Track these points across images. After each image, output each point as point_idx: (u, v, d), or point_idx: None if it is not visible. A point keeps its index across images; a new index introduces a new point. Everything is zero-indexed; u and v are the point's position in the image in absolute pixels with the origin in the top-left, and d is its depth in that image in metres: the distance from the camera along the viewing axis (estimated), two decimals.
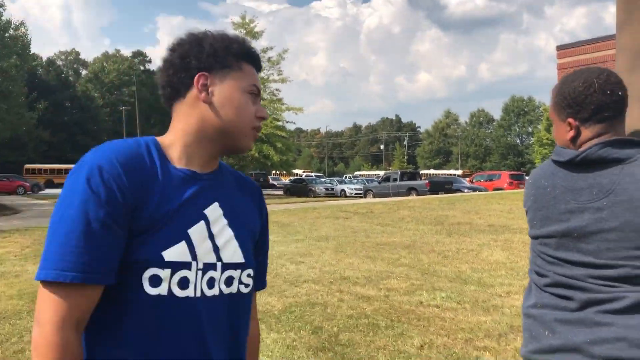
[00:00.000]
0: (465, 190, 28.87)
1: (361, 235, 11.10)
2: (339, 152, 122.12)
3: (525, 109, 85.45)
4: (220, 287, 1.12)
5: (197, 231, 1.10)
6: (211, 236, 1.12)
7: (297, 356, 4.07)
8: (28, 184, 37.44)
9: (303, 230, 12.07)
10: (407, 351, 4.17)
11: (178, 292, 1.05)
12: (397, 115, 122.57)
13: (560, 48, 22.34)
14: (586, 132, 1.42)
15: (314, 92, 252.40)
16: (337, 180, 43.46)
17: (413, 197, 24.89)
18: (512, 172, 36.53)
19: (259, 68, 1.23)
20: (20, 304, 5.77)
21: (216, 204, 1.16)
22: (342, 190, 36.39)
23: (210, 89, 1.15)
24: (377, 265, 7.81)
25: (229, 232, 1.16)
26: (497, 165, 77.61)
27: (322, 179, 45.72)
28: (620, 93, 1.40)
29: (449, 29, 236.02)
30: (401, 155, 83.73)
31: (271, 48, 38.56)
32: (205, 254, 1.10)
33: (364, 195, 31.54)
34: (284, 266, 7.78)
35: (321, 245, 9.80)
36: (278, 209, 17.92)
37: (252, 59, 1.21)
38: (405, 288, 6.30)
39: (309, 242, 10.13)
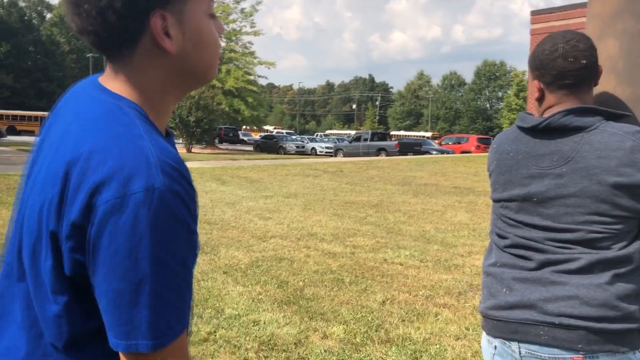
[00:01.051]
0: (434, 152, 29.25)
1: (330, 193, 11.19)
2: (311, 110, 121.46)
3: (497, 74, 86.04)
4: None
5: None
6: None
7: (262, 309, 4.15)
8: None
9: (272, 186, 12.09)
10: (370, 306, 4.29)
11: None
12: (370, 75, 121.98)
13: (534, 13, 22.38)
14: (549, 97, 1.44)
15: (287, 46, 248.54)
16: (308, 138, 43.32)
17: (382, 157, 25.09)
18: (480, 136, 37.04)
19: None
20: None
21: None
22: (313, 148, 36.36)
23: (172, 32, 0.87)
24: (344, 223, 7.91)
25: None
26: (466, 129, 78.49)
27: (293, 136, 45.53)
28: (584, 62, 1.39)
29: None
30: (373, 116, 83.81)
31: None
32: None
33: (335, 154, 31.62)
34: (252, 221, 7.82)
35: (290, 202, 9.86)
36: (247, 165, 17.84)
37: None
38: (371, 246, 6.42)
39: (277, 199, 10.17)
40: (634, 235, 1.34)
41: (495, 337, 1.45)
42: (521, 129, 1.49)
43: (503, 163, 1.51)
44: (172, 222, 0.78)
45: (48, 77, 64.03)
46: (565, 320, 1.32)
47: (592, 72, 1.42)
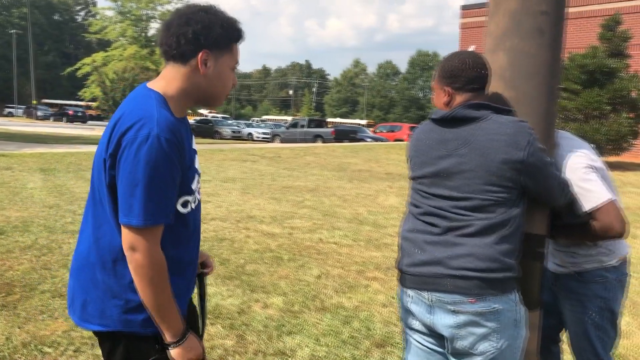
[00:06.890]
0: (368, 140, 29.97)
1: (268, 178, 11.48)
2: (247, 95, 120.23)
3: (430, 64, 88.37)
4: (199, 191, 1.66)
5: (197, 163, 1.61)
6: (196, 161, 1.63)
7: (206, 284, 4.42)
8: None
9: (209, 171, 12.23)
10: (306, 280, 4.67)
11: (193, 207, 1.60)
12: (307, 61, 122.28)
13: (464, 8, 23.36)
14: (458, 98, 1.87)
15: None
16: (245, 123, 43.13)
17: (319, 144, 25.54)
18: (413, 125, 38.10)
19: (242, 40, 1.60)
20: None
21: (193, 136, 1.64)
22: (249, 133, 36.32)
23: (208, 64, 1.51)
24: (282, 206, 8.26)
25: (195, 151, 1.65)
26: (400, 117, 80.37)
27: (229, 121, 45.15)
28: (484, 72, 1.86)
29: None
30: (309, 102, 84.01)
31: None
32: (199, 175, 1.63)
33: (272, 140, 31.80)
34: None
35: (228, 186, 10.08)
36: None
37: (241, 39, 1.57)
38: (308, 227, 6.81)
39: (215, 183, 10.35)
40: (513, 202, 1.76)
41: (410, 288, 1.84)
42: (434, 120, 1.89)
43: (419, 149, 1.91)
44: (161, 155, 1.38)
45: None
46: (464, 273, 1.72)
47: (488, 80, 1.88)
